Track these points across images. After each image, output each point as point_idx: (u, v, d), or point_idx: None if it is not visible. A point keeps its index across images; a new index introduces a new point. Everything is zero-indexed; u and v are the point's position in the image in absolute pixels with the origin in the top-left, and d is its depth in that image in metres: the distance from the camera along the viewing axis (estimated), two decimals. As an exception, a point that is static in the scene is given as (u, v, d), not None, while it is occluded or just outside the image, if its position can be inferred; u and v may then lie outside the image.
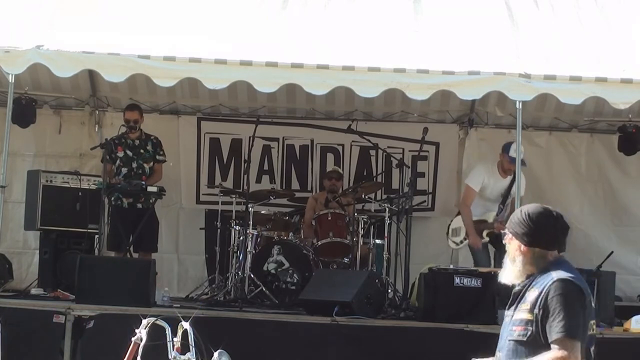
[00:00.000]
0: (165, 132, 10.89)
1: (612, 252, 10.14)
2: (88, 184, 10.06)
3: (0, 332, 7.57)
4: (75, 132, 11.46)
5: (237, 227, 10.10)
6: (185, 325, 4.39)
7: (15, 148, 10.25)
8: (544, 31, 9.22)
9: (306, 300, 8.75)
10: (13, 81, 8.43)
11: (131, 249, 9.67)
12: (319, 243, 9.98)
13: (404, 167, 10.26)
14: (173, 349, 4.42)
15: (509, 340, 4.15)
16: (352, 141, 11.40)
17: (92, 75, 10.64)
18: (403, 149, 11.28)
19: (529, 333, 4.04)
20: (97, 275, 8.53)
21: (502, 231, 4.32)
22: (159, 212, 10.36)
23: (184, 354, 4.40)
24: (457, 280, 8.42)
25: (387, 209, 9.98)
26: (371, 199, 10.66)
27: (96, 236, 9.65)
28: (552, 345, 3.95)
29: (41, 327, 8.03)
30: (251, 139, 10.52)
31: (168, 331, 4.50)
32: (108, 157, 9.82)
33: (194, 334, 4.46)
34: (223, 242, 10.42)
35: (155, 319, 4.53)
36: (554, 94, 8.49)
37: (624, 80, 8.33)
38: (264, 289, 9.45)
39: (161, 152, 10.19)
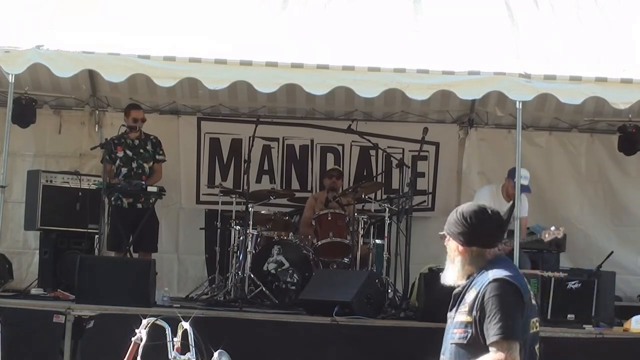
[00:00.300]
0: (165, 132, 10.89)
1: (612, 252, 10.15)
2: (88, 184, 10.06)
3: (0, 332, 7.57)
4: (75, 132, 11.46)
5: (237, 227, 10.10)
6: (185, 325, 4.39)
7: (15, 148, 10.25)
8: (544, 31, 9.22)
9: (306, 300, 8.75)
10: (13, 81, 8.43)
11: (131, 249, 9.67)
12: (319, 243, 9.97)
13: (404, 167, 10.27)
14: (173, 349, 4.42)
15: (451, 343, 4.12)
16: (352, 141, 11.40)
17: (92, 75, 10.64)
18: (403, 149, 11.28)
19: (469, 335, 4.00)
20: (97, 275, 8.53)
21: (442, 234, 4.30)
22: (159, 212, 10.36)
23: (184, 354, 4.41)
24: (457, 280, 8.40)
25: (387, 209, 9.97)
26: (371, 199, 10.66)
27: (96, 236, 9.65)
28: (490, 348, 3.91)
29: (41, 327, 8.03)
30: (251, 139, 10.52)
31: (168, 331, 4.50)
32: (108, 157, 9.82)
33: (194, 334, 4.46)
34: (223, 242, 10.41)
35: (155, 319, 4.53)
36: (554, 94, 8.49)
37: (624, 80, 8.33)
38: (264, 289, 9.45)
39: (161, 152, 10.19)
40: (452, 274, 4.21)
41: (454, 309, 4.17)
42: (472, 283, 4.09)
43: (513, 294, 3.96)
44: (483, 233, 4.12)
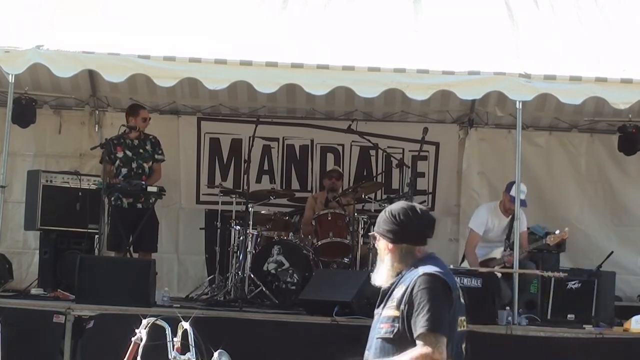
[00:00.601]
0: (165, 132, 10.88)
1: (612, 252, 10.15)
2: (88, 184, 10.05)
3: (0, 332, 7.57)
4: (75, 132, 11.46)
5: (237, 227, 10.10)
6: (185, 325, 4.39)
7: (15, 148, 10.26)
8: (544, 31, 9.23)
9: (306, 300, 8.75)
10: (13, 81, 8.44)
11: (131, 249, 9.66)
12: (319, 243, 9.97)
13: (404, 167, 10.27)
14: (173, 349, 4.42)
15: (377, 338, 4.08)
16: (352, 141, 11.40)
17: (92, 75, 10.64)
18: (403, 149, 11.28)
19: (396, 330, 3.99)
20: (97, 275, 8.53)
21: (372, 234, 4.29)
22: (159, 212, 10.36)
23: (184, 354, 4.40)
24: (457, 280, 8.40)
25: (387, 209, 9.95)
26: (371, 199, 10.66)
27: (96, 236, 9.65)
28: (417, 341, 3.90)
29: (41, 327, 8.03)
30: (251, 139, 10.52)
31: (168, 331, 4.50)
32: (107, 158, 9.82)
33: (194, 334, 4.46)
34: (223, 242, 10.41)
35: (155, 319, 4.53)
36: (554, 94, 8.50)
37: (624, 80, 8.34)
38: (264, 289, 9.45)
39: (160, 152, 10.19)
40: (382, 273, 4.18)
41: (382, 306, 4.14)
42: (401, 279, 4.08)
43: (442, 288, 3.97)
44: (412, 230, 4.13)
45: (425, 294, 3.93)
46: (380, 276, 4.17)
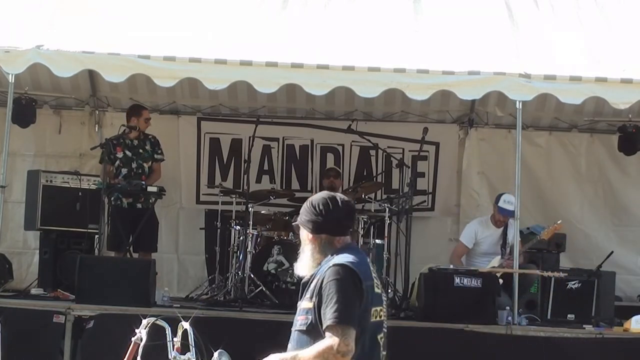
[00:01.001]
0: (165, 132, 10.88)
1: (612, 252, 10.14)
2: (88, 184, 10.05)
3: (0, 332, 7.57)
4: (75, 132, 11.46)
5: (237, 227, 10.09)
6: (185, 325, 4.39)
7: (15, 148, 10.26)
8: (544, 31, 9.22)
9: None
10: (13, 81, 8.44)
11: (131, 249, 9.66)
12: (319, 243, 9.95)
13: (404, 167, 10.26)
14: (173, 349, 4.42)
15: (294, 330, 4.09)
16: (352, 141, 11.39)
17: (92, 75, 10.64)
18: (403, 149, 11.28)
19: (309, 322, 3.98)
20: (97, 275, 8.53)
21: (295, 224, 4.28)
22: (159, 212, 10.36)
23: (184, 354, 4.40)
24: (457, 280, 8.42)
25: (387, 209, 9.97)
26: (371, 199, 10.66)
27: (96, 236, 9.65)
28: (325, 333, 3.88)
29: (41, 327, 8.03)
30: (251, 139, 10.52)
31: (168, 331, 4.50)
32: (107, 158, 9.82)
33: (194, 334, 4.46)
34: (223, 242, 10.41)
35: (155, 319, 4.53)
36: (554, 94, 8.50)
37: (624, 80, 8.34)
38: (264, 289, 9.45)
39: (159, 151, 10.19)
40: (303, 264, 4.16)
41: (301, 298, 4.13)
42: (319, 270, 4.07)
43: (351, 279, 3.93)
44: (331, 220, 4.10)
45: (333, 285, 3.91)
46: (302, 267, 4.17)
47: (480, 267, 9.13)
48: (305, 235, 4.17)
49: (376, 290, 4.02)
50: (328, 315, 3.88)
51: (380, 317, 4.02)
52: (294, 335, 4.08)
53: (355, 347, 3.89)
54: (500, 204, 9.38)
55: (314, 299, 3.97)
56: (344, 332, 3.85)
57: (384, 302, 4.10)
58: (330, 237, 4.11)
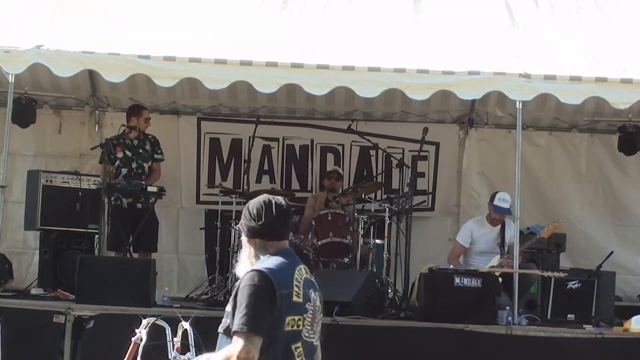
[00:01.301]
0: (165, 132, 10.88)
1: (612, 252, 10.14)
2: (88, 184, 10.05)
3: (0, 332, 7.57)
4: (75, 132, 11.46)
5: (237, 227, 10.07)
6: (185, 325, 4.39)
7: (15, 148, 10.25)
8: (544, 31, 9.23)
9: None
10: (13, 81, 8.44)
11: (131, 249, 9.66)
12: (319, 243, 9.97)
13: (404, 167, 10.27)
14: (173, 349, 4.43)
15: (218, 332, 4.08)
16: (352, 141, 11.39)
17: (92, 75, 10.64)
18: (403, 149, 11.28)
19: (227, 325, 3.98)
20: (97, 275, 8.53)
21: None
22: (159, 212, 10.36)
23: (184, 354, 4.41)
24: (457, 280, 8.41)
25: (387, 209, 9.97)
26: (371, 199, 10.66)
27: (96, 236, 9.65)
28: (233, 338, 3.88)
29: (41, 327, 8.03)
30: (251, 139, 10.52)
31: (168, 331, 4.50)
32: (107, 158, 9.82)
33: (194, 334, 4.46)
34: (223, 242, 10.41)
35: (155, 319, 4.54)
36: (554, 94, 8.50)
37: (624, 80, 8.34)
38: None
39: (159, 151, 10.19)
40: (241, 267, 4.16)
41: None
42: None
43: (263, 286, 3.89)
44: (264, 225, 4.09)
45: (245, 291, 3.89)
46: (239, 270, 4.16)
47: (479, 266, 9.13)
48: (244, 238, 4.17)
49: (294, 299, 3.94)
50: (235, 321, 3.87)
51: (299, 327, 3.95)
52: (218, 337, 4.07)
53: (265, 355, 3.86)
54: (495, 202, 9.38)
55: (231, 302, 3.97)
56: (247, 339, 3.83)
57: (308, 312, 4.01)
58: (263, 241, 4.10)
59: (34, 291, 9.61)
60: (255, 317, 3.84)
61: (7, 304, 8.27)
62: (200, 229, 11.28)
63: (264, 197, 4.18)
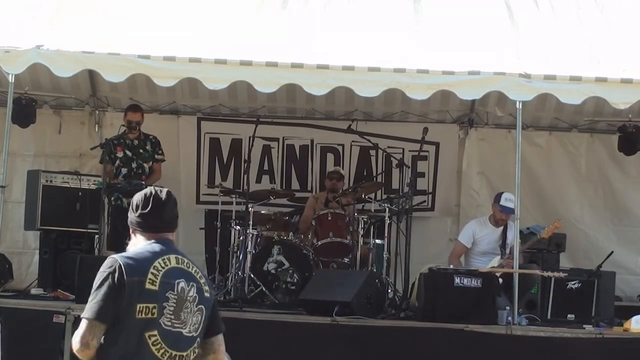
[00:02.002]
0: (165, 132, 10.89)
1: (612, 252, 10.14)
2: (88, 184, 10.05)
3: (0, 332, 7.57)
4: (75, 132, 11.46)
5: (237, 227, 10.09)
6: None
7: (15, 148, 10.25)
8: (544, 31, 9.23)
9: (306, 300, 8.75)
10: (13, 81, 8.44)
11: (131, 249, 9.64)
12: (319, 243, 9.97)
13: (404, 167, 10.26)
14: (172, 349, 4.41)
15: None
16: (352, 141, 11.39)
17: (92, 75, 10.64)
18: (403, 149, 11.28)
19: None
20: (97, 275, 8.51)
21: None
22: (159, 212, 10.34)
23: (184, 354, 4.39)
24: (457, 280, 8.41)
25: (387, 209, 9.97)
26: (371, 199, 10.65)
27: (96, 236, 9.65)
28: None
29: (41, 327, 8.03)
30: (251, 139, 10.51)
31: (167, 331, 4.48)
32: (107, 158, 9.82)
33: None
34: (223, 242, 10.40)
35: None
36: (554, 94, 8.50)
37: (624, 80, 8.34)
38: (264, 289, 9.45)
39: (160, 152, 10.19)
40: None
41: None
42: None
43: (110, 272, 3.91)
44: (140, 217, 4.09)
45: (97, 277, 3.94)
46: None
47: (479, 267, 9.13)
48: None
49: (147, 286, 3.91)
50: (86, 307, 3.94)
51: (153, 314, 3.91)
52: None
53: (117, 342, 3.87)
54: (502, 202, 9.37)
55: None
56: (88, 324, 3.89)
57: (169, 301, 3.95)
58: (142, 232, 4.11)
59: (34, 291, 9.60)
60: (97, 303, 3.89)
61: (7, 304, 8.27)
62: (200, 229, 11.27)
63: (147, 189, 4.16)
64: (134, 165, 10.02)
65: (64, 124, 11.44)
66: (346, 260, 9.96)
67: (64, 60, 8.31)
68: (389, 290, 9.74)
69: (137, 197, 4.13)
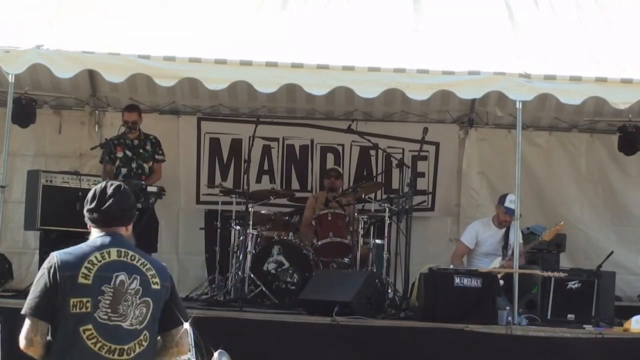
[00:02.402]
0: (165, 132, 10.89)
1: (612, 252, 10.15)
2: (88, 184, 10.03)
3: (0, 332, 7.56)
4: (75, 132, 11.45)
5: (237, 227, 10.09)
6: (185, 325, 4.39)
7: (15, 148, 10.25)
8: (544, 31, 9.23)
9: (306, 300, 8.75)
10: (13, 81, 8.44)
11: (131, 249, 9.64)
12: (319, 243, 9.97)
13: (404, 167, 10.27)
14: (172, 349, 4.41)
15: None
16: (352, 141, 11.39)
17: (92, 75, 10.64)
18: (403, 149, 11.27)
19: None
20: (97, 275, 8.51)
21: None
22: (159, 212, 10.35)
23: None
24: (457, 280, 8.42)
25: (387, 209, 9.97)
26: (371, 199, 10.66)
27: (96, 236, 9.62)
28: None
29: (41, 327, 8.01)
30: (251, 139, 10.51)
31: (167, 331, 4.48)
32: (107, 158, 9.82)
33: (194, 334, 4.45)
34: (223, 242, 10.41)
35: (154, 319, 4.51)
36: (554, 94, 8.50)
37: (624, 80, 8.34)
38: (264, 289, 9.45)
39: (160, 152, 10.19)
40: None
41: None
42: None
43: (46, 267, 4.00)
44: (88, 211, 4.19)
45: (37, 274, 4.02)
46: None
47: (480, 267, 9.13)
48: None
49: (80, 280, 3.94)
50: None
51: (87, 309, 3.93)
52: None
53: (55, 336, 3.96)
54: (507, 204, 9.35)
55: None
56: (27, 322, 4.03)
57: (105, 294, 3.97)
58: (94, 227, 4.20)
59: (34, 291, 9.58)
60: (34, 300, 3.98)
61: (7, 304, 8.26)
62: (200, 229, 11.27)
63: (99, 184, 4.22)
64: (134, 165, 10.02)
65: (64, 124, 11.44)
66: (346, 260, 9.96)
67: (64, 60, 8.31)
68: (389, 290, 9.75)
69: (89, 192, 4.17)
